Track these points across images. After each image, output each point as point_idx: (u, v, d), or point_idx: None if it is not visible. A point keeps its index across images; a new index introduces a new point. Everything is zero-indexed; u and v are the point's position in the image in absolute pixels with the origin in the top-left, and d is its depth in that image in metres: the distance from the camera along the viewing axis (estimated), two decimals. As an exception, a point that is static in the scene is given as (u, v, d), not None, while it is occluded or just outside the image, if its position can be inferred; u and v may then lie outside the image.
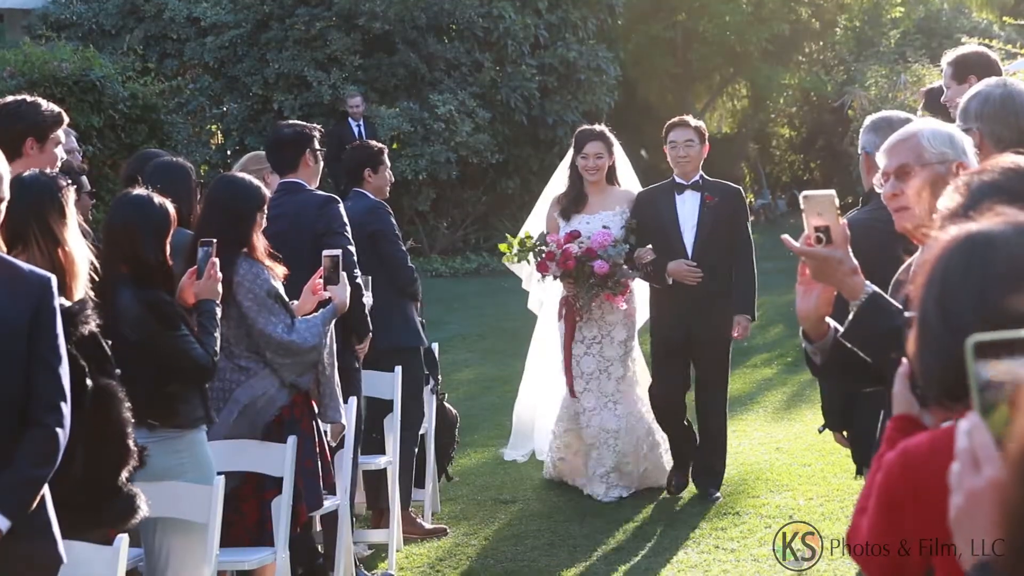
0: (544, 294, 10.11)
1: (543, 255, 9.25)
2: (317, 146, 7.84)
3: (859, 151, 5.97)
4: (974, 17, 29.42)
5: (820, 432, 6.16)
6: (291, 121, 8.28)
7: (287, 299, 6.79)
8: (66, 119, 6.39)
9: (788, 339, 15.79)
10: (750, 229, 9.44)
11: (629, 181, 9.90)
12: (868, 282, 3.96)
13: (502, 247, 9.57)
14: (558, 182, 9.87)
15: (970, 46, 7.85)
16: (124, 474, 5.17)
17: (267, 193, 6.87)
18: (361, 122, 19.92)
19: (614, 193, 9.52)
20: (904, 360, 2.97)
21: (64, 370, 4.57)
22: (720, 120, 34.01)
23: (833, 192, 3.92)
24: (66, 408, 4.55)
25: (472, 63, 22.59)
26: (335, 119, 20.43)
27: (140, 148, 15.39)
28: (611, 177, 9.54)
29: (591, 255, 9.10)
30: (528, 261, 9.47)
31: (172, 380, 6.00)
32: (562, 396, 9.69)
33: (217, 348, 6.11)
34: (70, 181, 5.31)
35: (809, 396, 12.78)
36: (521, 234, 9.64)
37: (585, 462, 9.51)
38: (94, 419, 5.00)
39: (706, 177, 9.47)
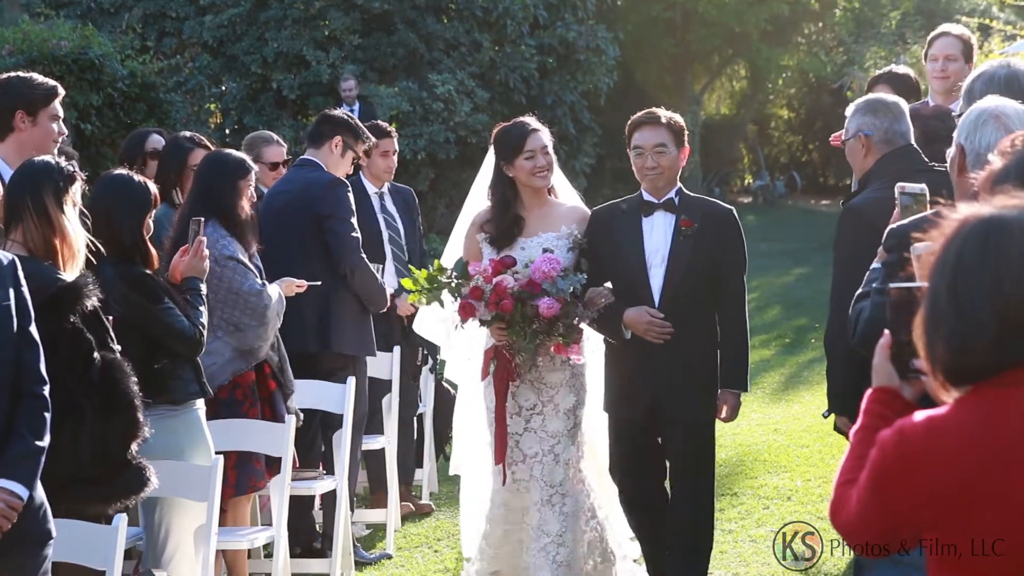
0: (470, 350, 7.25)
1: (465, 293, 6.61)
2: (356, 145, 7.93)
3: (852, 134, 5.90)
4: (974, -2, 29.42)
5: (825, 417, 6.11)
6: (341, 113, 8.29)
7: (251, 267, 6.84)
8: (61, 92, 6.40)
9: (785, 321, 15.80)
10: (745, 267, 6.80)
11: (567, 189, 7.32)
12: None
13: (405, 283, 6.87)
14: (478, 198, 7.21)
15: (958, 26, 7.97)
16: (134, 446, 5.23)
17: (249, 166, 6.95)
18: (356, 106, 19.33)
19: (558, 209, 6.94)
20: (886, 332, 2.98)
21: (39, 340, 4.67)
22: (719, 101, 34.02)
23: None
24: (45, 372, 4.65)
25: (471, 43, 22.56)
26: (334, 99, 20.40)
27: (139, 127, 15.35)
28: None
29: (533, 290, 6.50)
30: (441, 303, 6.75)
31: (161, 355, 6.03)
32: (490, 487, 7.03)
33: (204, 322, 6.14)
34: (74, 170, 5.39)
35: (807, 378, 12.81)
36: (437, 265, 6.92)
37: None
38: (103, 392, 5.09)
39: (686, 193, 6.81)
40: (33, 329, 4.62)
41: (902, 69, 8.28)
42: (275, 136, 8.81)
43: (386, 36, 22.07)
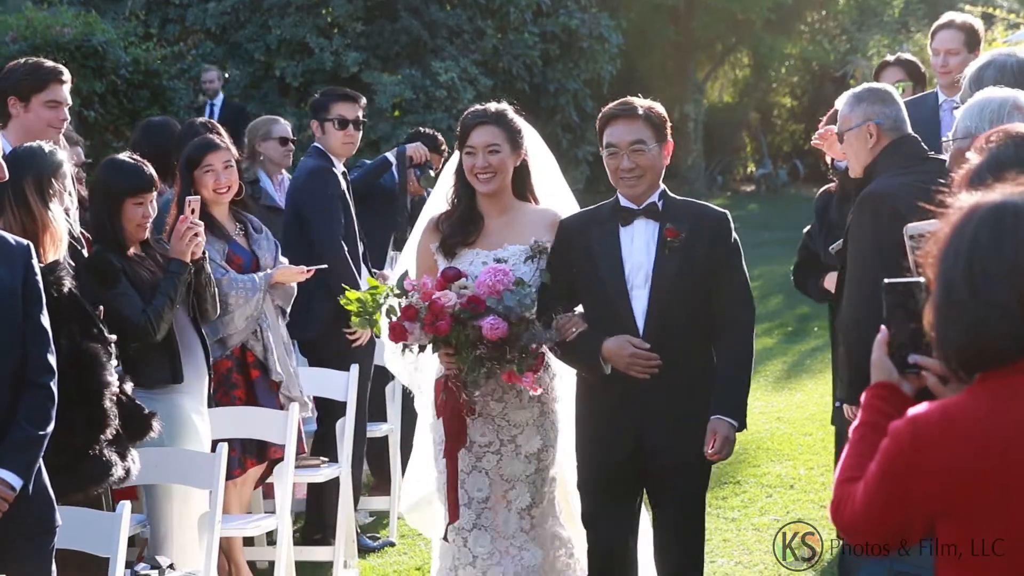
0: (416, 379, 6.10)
1: (398, 312, 5.52)
2: (325, 114, 7.91)
3: (860, 123, 5.74)
4: (977, -13, 29.42)
5: (838, 406, 6.02)
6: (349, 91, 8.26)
7: (214, 258, 6.73)
8: (63, 78, 6.39)
9: (788, 309, 15.80)
10: (746, 274, 5.60)
11: (557, 196, 6.05)
12: None
13: (342, 301, 5.77)
14: (440, 197, 6.00)
15: (962, 15, 7.99)
16: (107, 434, 5.16)
17: (209, 145, 6.88)
18: (219, 99, 17.47)
19: (527, 215, 5.78)
20: (882, 328, 2.97)
21: (49, 330, 4.65)
22: (722, 89, 34.01)
23: None
24: (55, 364, 4.63)
25: (474, 30, 22.55)
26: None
27: (142, 114, 15.33)
28: (521, 188, 5.81)
29: (477, 307, 5.38)
30: (377, 328, 5.75)
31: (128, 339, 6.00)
32: (440, 535, 5.87)
33: (162, 310, 6.03)
34: (59, 158, 5.37)
35: (809, 366, 12.80)
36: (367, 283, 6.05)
37: None
38: (69, 382, 5.01)
39: (670, 195, 5.59)
40: (44, 318, 4.60)
41: (908, 56, 8.58)
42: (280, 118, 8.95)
43: (389, 23, 22.05)
